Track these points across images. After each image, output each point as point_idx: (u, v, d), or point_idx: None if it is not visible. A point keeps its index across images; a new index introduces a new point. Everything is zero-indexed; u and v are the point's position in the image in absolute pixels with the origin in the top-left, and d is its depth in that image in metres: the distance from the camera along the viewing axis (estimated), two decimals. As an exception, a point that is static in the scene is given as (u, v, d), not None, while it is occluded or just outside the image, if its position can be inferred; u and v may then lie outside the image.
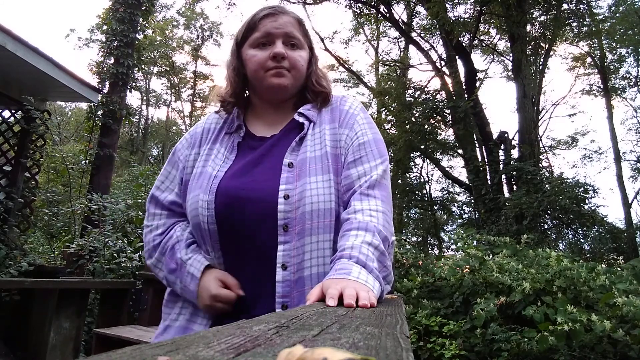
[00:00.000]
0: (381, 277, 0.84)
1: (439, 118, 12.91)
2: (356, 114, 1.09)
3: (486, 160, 11.08)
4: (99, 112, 7.75)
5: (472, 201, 12.67)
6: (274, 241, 0.94)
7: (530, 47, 11.99)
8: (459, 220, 15.15)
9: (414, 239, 16.81)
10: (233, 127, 1.11)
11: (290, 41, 1.07)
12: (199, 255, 1.02)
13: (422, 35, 14.53)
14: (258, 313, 0.91)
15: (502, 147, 10.90)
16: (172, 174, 1.13)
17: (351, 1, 13.92)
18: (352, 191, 0.98)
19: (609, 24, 14.23)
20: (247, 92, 1.17)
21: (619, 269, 4.22)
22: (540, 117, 15.47)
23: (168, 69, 27.27)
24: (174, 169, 1.13)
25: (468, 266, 4.44)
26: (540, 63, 13.77)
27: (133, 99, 31.08)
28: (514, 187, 10.42)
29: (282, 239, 0.94)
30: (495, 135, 10.97)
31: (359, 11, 14.89)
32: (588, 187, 10.24)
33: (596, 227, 10.24)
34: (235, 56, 1.12)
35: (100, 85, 7.62)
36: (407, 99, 13.48)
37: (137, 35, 8.25)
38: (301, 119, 1.07)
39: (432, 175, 17.31)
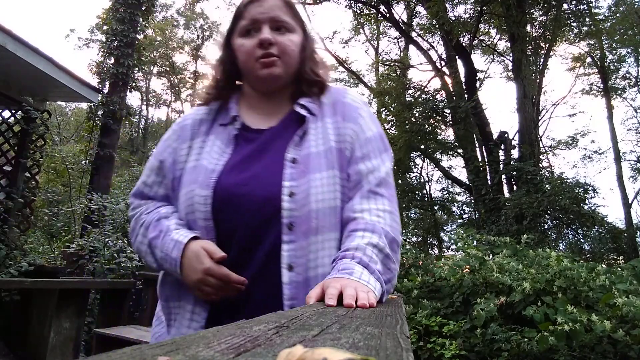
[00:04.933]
0: (384, 279, 0.83)
1: (439, 118, 12.92)
2: (359, 107, 1.05)
3: (486, 160, 11.08)
4: (99, 112, 7.76)
5: (472, 201, 12.67)
6: (277, 240, 0.89)
7: (530, 47, 11.98)
8: (459, 220, 15.17)
9: (414, 239, 16.75)
10: (227, 118, 1.04)
11: (278, 25, 1.00)
12: (187, 230, 0.95)
13: (422, 35, 14.53)
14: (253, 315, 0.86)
15: (502, 147, 10.90)
16: (161, 169, 1.04)
17: (351, 1, 13.93)
18: (359, 187, 0.95)
19: (609, 24, 14.22)
20: (236, 82, 1.11)
21: (619, 269, 4.21)
22: (540, 117, 15.43)
23: (168, 69, 27.29)
24: (162, 163, 1.04)
25: (468, 266, 4.45)
26: (540, 63, 13.75)
27: (133, 99, 31.11)
28: (514, 187, 10.42)
29: (287, 238, 0.89)
30: (495, 135, 10.97)
31: (359, 11, 14.91)
32: (588, 187, 10.25)
33: (596, 227, 10.24)
34: (223, 48, 1.07)
35: (100, 85, 7.62)
36: (407, 99, 13.48)
37: (137, 35, 8.25)
38: (303, 111, 1.01)
39: (432, 175, 17.30)
